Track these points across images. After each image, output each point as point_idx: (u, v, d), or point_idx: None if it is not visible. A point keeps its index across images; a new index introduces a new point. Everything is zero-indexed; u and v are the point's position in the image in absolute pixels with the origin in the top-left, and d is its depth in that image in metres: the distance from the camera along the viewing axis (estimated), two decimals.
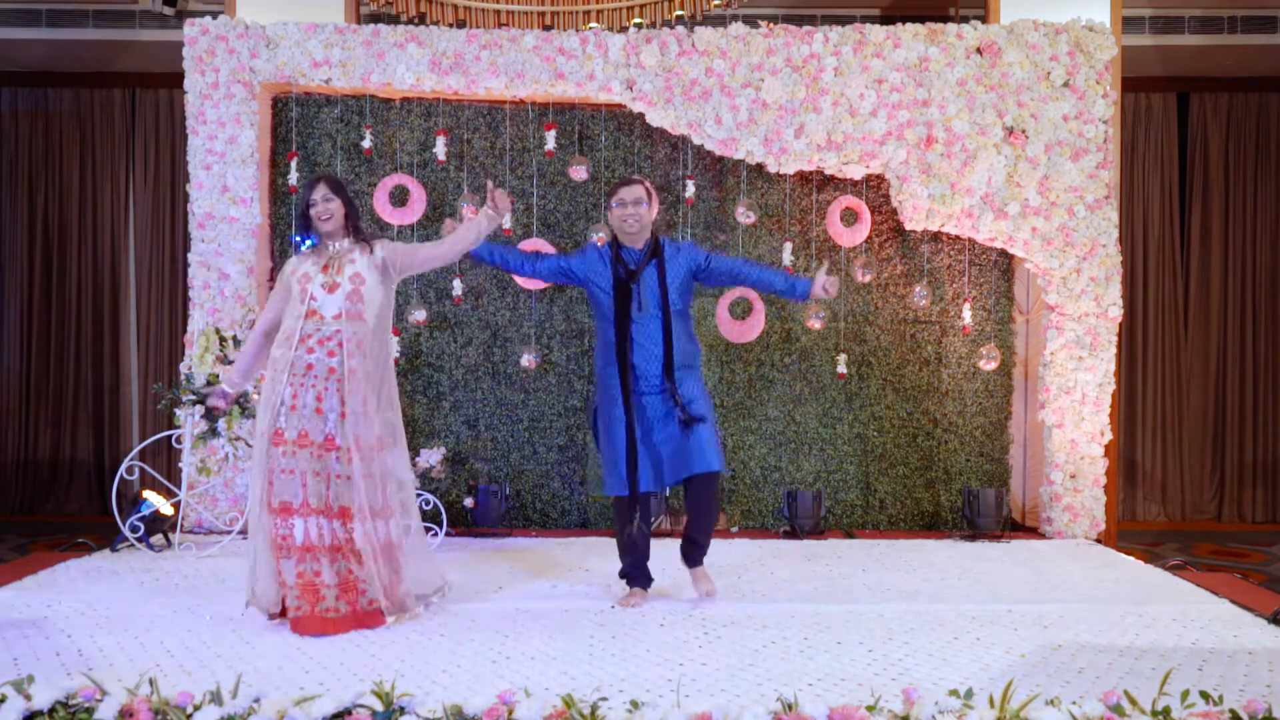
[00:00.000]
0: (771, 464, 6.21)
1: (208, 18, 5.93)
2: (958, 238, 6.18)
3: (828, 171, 5.98)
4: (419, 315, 5.99)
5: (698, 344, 4.31)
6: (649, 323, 4.13)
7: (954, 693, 2.78)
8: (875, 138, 5.84)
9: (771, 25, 5.95)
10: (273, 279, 6.18)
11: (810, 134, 5.83)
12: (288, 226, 6.17)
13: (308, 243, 5.78)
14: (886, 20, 6.86)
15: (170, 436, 5.41)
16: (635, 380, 4.13)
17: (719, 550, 5.18)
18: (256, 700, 2.70)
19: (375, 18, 6.80)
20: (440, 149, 6.03)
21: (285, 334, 3.83)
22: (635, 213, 4.18)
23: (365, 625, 3.72)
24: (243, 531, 5.45)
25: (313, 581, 3.69)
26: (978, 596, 4.38)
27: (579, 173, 5.94)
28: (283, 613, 3.77)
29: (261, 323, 4.00)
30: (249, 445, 5.27)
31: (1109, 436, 5.91)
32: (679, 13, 6.26)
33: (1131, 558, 5.35)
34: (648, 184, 4.27)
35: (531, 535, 5.83)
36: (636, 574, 4.24)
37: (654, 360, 4.12)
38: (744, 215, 5.98)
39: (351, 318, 3.84)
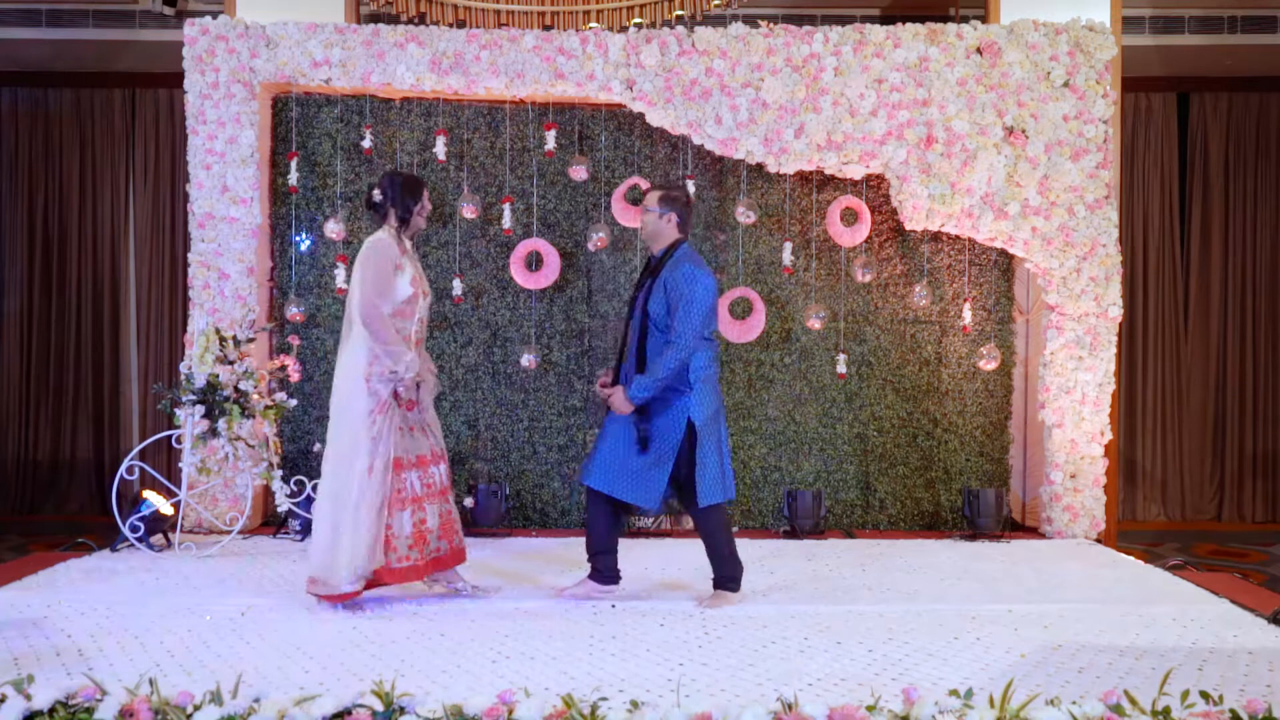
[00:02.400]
0: (771, 464, 6.21)
1: (208, 18, 5.93)
2: (958, 238, 6.18)
3: (828, 171, 5.98)
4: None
5: (693, 369, 4.05)
6: (632, 332, 4.17)
7: (954, 693, 2.78)
8: (875, 138, 5.84)
9: (771, 25, 5.95)
10: (273, 279, 6.19)
11: (810, 134, 5.83)
12: (288, 226, 6.17)
13: (307, 242, 5.82)
14: (886, 20, 6.86)
15: (170, 436, 5.41)
16: (622, 379, 4.19)
17: None
18: (256, 700, 2.70)
19: (375, 18, 6.80)
20: (440, 149, 6.03)
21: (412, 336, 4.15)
22: (642, 219, 4.24)
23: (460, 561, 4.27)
24: (243, 531, 5.46)
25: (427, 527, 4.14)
26: (978, 596, 4.38)
27: (579, 173, 5.94)
28: (374, 580, 4.00)
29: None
30: (250, 445, 5.27)
31: (1109, 436, 5.91)
32: (679, 13, 6.26)
33: (1131, 558, 5.35)
34: (668, 192, 4.23)
35: (531, 535, 5.83)
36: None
37: (628, 367, 4.16)
38: (744, 215, 5.98)
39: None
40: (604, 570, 4.27)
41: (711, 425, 4.09)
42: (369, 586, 4.04)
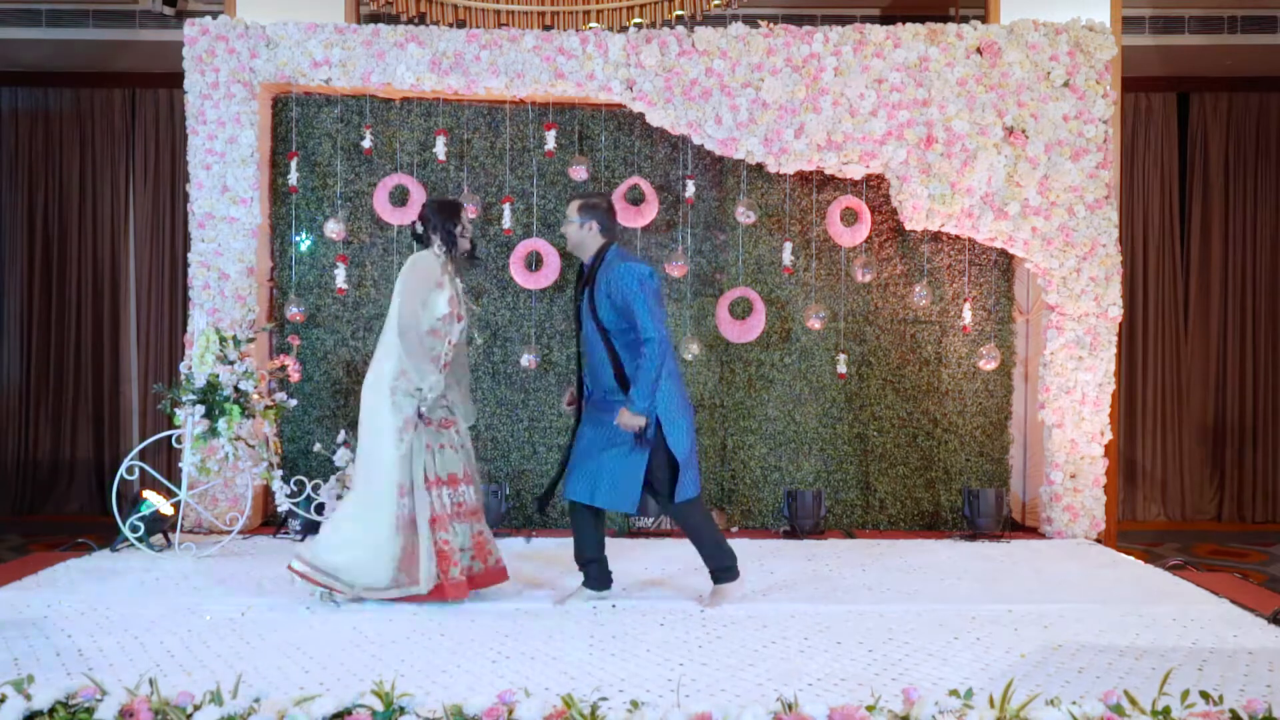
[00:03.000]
0: (771, 464, 6.21)
1: (208, 18, 5.93)
2: (958, 238, 6.18)
3: (828, 171, 5.98)
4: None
5: (636, 366, 4.02)
6: (587, 345, 4.20)
7: (954, 693, 2.78)
8: (875, 138, 5.84)
9: (771, 25, 5.95)
10: (273, 279, 6.18)
11: (810, 134, 5.82)
12: (288, 227, 6.17)
13: (307, 243, 5.81)
14: (886, 20, 6.86)
15: (170, 436, 5.41)
16: (586, 393, 4.24)
17: None
18: (256, 700, 2.70)
19: (375, 18, 6.80)
20: (440, 149, 6.03)
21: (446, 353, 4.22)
22: (564, 231, 4.29)
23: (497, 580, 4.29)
24: (243, 531, 5.46)
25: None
26: (978, 596, 4.38)
27: (579, 173, 5.94)
28: (437, 591, 4.04)
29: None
30: (250, 445, 5.27)
31: (1109, 436, 5.91)
32: (679, 13, 6.26)
33: (1131, 558, 5.35)
34: (586, 200, 4.24)
35: (531, 535, 5.83)
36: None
37: (593, 376, 4.18)
38: (744, 215, 5.98)
39: None
40: (596, 577, 4.28)
41: (680, 418, 4.06)
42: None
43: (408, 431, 4.05)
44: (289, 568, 4.13)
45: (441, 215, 4.24)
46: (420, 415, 4.08)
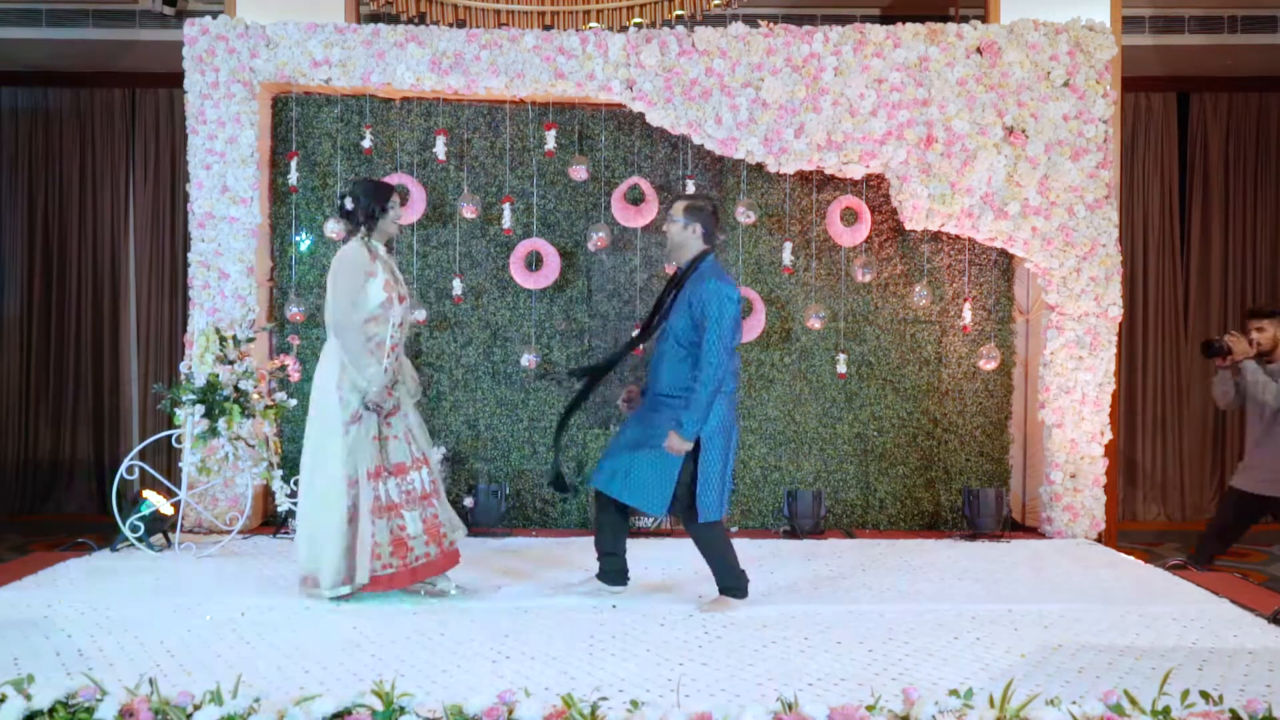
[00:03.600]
0: (771, 464, 6.21)
1: (208, 18, 5.92)
2: (958, 238, 6.18)
3: (828, 171, 5.98)
4: (419, 315, 5.99)
5: (696, 378, 3.96)
6: (659, 353, 4.20)
7: (954, 693, 2.78)
8: (875, 138, 5.84)
9: (771, 25, 5.94)
10: (273, 279, 6.18)
11: (810, 134, 5.82)
12: (288, 226, 6.17)
13: (307, 242, 5.81)
14: (886, 20, 6.86)
15: (170, 436, 5.40)
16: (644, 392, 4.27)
17: None
18: (256, 700, 2.70)
19: (375, 18, 6.80)
20: (440, 149, 6.03)
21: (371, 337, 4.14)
22: (667, 230, 4.23)
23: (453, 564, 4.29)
24: (243, 531, 5.46)
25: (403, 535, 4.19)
26: (978, 596, 4.38)
27: (579, 173, 5.94)
28: (372, 583, 4.07)
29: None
30: (250, 445, 5.27)
31: (1109, 436, 5.90)
32: (679, 12, 6.26)
33: (1131, 558, 5.35)
34: (693, 202, 4.17)
35: (531, 535, 5.83)
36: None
37: (654, 375, 4.20)
38: (744, 215, 5.98)
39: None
40: (610, 571, 4.29)
41: (718, 438, 4.00)
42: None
43: (353, 425, 4.08)
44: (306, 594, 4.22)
45: (369, 197, 4.19)
46: (367, 408, 4.09)
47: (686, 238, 4.12)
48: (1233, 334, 5.37)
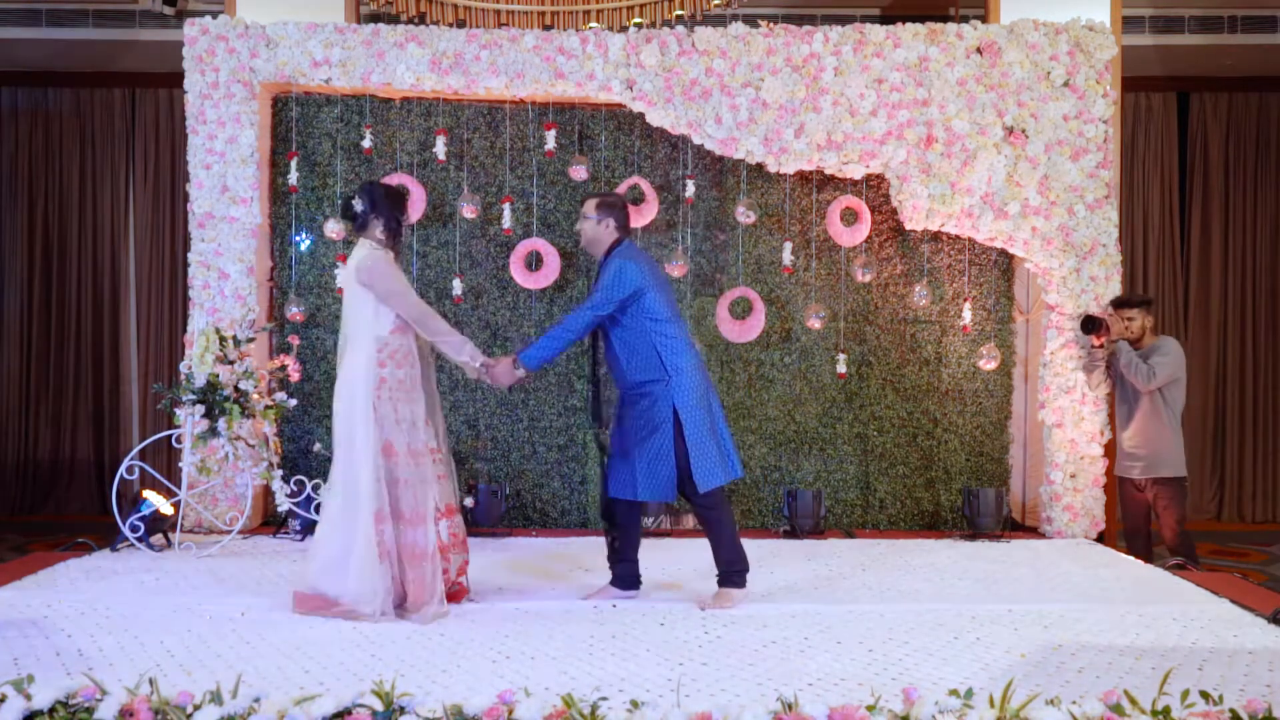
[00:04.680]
0: (771, 464, 6.21)
1: (208, 17, 5.92)
2: (958, 238, 6.18)
3: (828, 171, 5.98)
4: None
5: (668, 357, 4.10)
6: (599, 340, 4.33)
7: (954, 692, 2.78)
8: (875, 137, 5.84)
9: (771, 25, 5.94)
10: (273, 279, 6.18)
11: (810, 134, 5.82)
12: (288, 226, 6.17)
13: (307, 242, 5.82)
14: (886, 20, 6.86)
15: (170, 436, 5.41)
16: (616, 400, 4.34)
17: None
18: (256, 700, 2.70)
19: (375, 17, 6.80)
20: (440, 149, 6.03)
21: (407, 351, 4.04)
22: (580, 227, 4.36)
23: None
24: (243, 531, 5.46)
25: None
26: (978, 596, 4.38)
27: (579, 173, 5.94)
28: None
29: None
30: (250, 445, 5.27)
31: (1109, 436, 5.90)
32: (679, 12, 6.26)
33: (1131, 558, 5.35)
34: (604, 199, 4.34)
35: (531, 535, 5.83)
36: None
37: (613, 375, 4.28)
38: (744, 215, 5.98)
39: None
40: (624, 577, 4.31)
41: (699, 409, 4.09)
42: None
43: (385, 457, 3.94)
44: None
45: (391, 204, 4.09)
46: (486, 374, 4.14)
47: (600, 232, 4.27)
48: (1110, 313, 5.54)
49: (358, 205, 4.08)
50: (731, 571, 4.17)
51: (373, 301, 3.98)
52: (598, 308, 4.11)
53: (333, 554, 3.94)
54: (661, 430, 4.06)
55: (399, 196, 4.19)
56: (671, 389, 4.07)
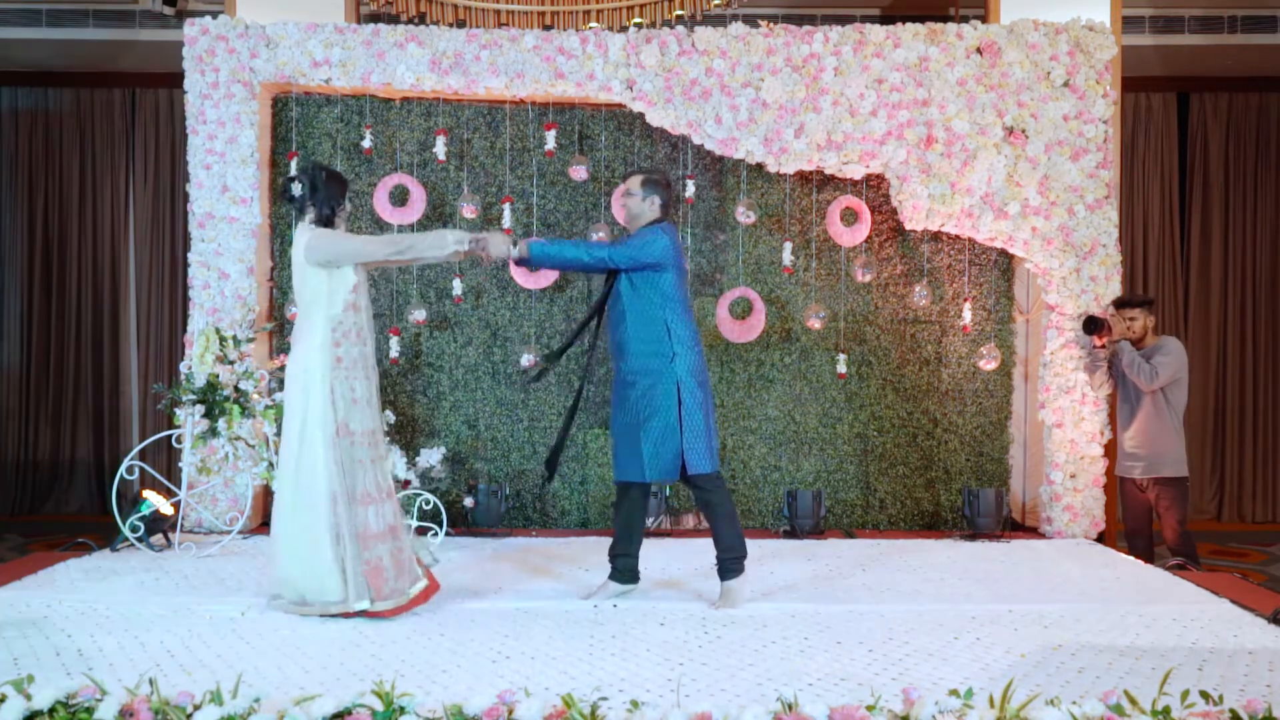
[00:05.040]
0: (771, 464, 6.21)
1: (208, 18, 5.92)
2: (958, 238, 6.17)
3: (828, 171, 5.98)
4: (419, 315, 5.99)
5: (675, 336, 4.15)
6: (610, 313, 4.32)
7: (954, 692, 2.78)
8: (875, 138, 5.84)
9: (771, 25, 5.94)
10: (273, 279, 6.18)
11: (810, 134, 5.82)
12: (288, 226, 6.17)
13: None
14: (886, 20, 6.86)
15: (170, 436, 5.41)
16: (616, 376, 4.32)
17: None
18: (256, 700, 2.70)
19: (375, 18, 6.80)
20: (440, 149, 6.03)
21: (360, 329, 3.95)
22: (624, 202, 4.33)
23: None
24: (243, 531, 5.46)
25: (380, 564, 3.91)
26: (978, 596, 4.38)
27: (579, 173, 5.94)
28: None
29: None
30: (250, 445, 5.27)
31: (1109, 436, 5.90)
32: (679, 13, 6.26)
33: (1131, 558, 5.35)
34: (649, 176, 4.28)
35: (531, 535, 5.83)
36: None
37: (619, 352, 4.26)
38: (744, 215, 5.98)
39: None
40: (623, 570, 4.33)
41: (697, 390, 4.13)
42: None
43: (342, 437, 3.85)
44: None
45: (330, 192, 4.01)
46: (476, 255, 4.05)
47: (643, 209, 4.25)
48: (1111, 314, 5.54)
49: (295, 189, 4.03)
50: (730, 559, 4.15)
51: (326, 281, 3.90)
52: (615, 255, 4.11)
53: (295, 545, 3.85)
54: (665, 408, 4.09)
55: (340, 181, 4.09)
56: (675, 366, 4.11)
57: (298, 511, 3.86)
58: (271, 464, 5.32)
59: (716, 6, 6.31)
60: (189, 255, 5.92)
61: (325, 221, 4.01)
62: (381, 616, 3.85)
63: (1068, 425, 5.88)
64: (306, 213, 4.02)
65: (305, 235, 3.97)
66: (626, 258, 4.11)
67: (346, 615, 3.85)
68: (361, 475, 3.89)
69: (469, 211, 5.98)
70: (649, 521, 5.84)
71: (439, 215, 6.16)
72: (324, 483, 3.83)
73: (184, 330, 6.28)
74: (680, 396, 4.09)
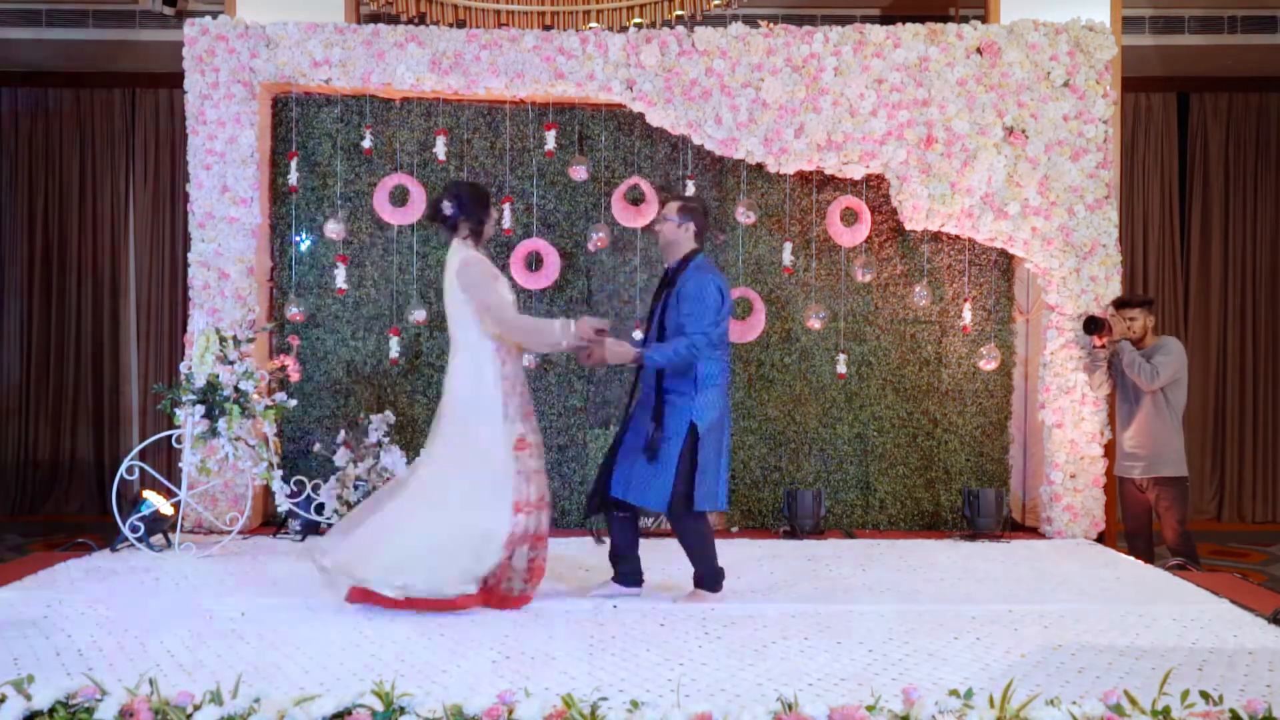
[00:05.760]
0: (771, 464, 6.21)
1: (208, 18, 5.92)
2: (958, 238, 6.18)
3: (828, 171, 5.98)
4: (419, 315, 5.99)
5: (701, 376, 4.12)
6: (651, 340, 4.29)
7: (954, 693, 2.78)
8: (875, 138, 5.84)
9: (771, 25, 5.95)
10: (273, 279, 6.18)
11: (810, 134, 5.82)
12: (288, 226, 6.17)
13: (307, 242, 5.80)
14: (886, 20, 6.86)
15: (170, 436, 5.41)
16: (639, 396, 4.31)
17: (719, 549, 5.16)
18: (256, 700, 2.70)
19: (375, 18, 6.80)
20: (440, 149, 6.03)
21: (510, 344, 4.10)
22: (660, 229, 4.32)
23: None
24: (243, 531, 5.46)
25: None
26: (978, 596, 4.38)
27: (579, 173, 5.94)
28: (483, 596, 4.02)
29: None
30: (250, 445, 5.27)
31: (1109, 436, 5.90)
32: (679, 13, 6.26)
33: (1131, 558, 5.35)
34: (686, 203, 4.29)
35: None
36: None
37: (646, 378, 4.25)
38: (744, 215, 5.98)
39: None
40: (627, 574, 4.33)
41: (714, 432, 4.13)
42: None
43: (522, 451, 4.06)
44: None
45: (475, 204, 4.15)
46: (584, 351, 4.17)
47: (679, 236, 4.24)
48: (1111, 314, 5.55)
49: (447, 208, 4.13)
50: (708, 578, 4.24)
51: (467, 297, 4.05)
52: (698, 341, 4.05)
53: (438, 544, 3.93)
54: (672, 441, 4.08)
55: (484, 195, 4.23)
56: (695, 404, 4.10)
57: (460, 511, 3.95)
58: (271, 464, 5.32)
59: (716, 6, 6.31)
60: (189, 255, 5.92)
61: (477, 235, 4.17)
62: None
63: (1068, 425, 5.88)
64: (460, 229, 4.15)
65: (460, 254, 4.09)
66: (701, 330, 4.05)
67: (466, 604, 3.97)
68: (534, 484, 4.07)
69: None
70: (649, 522, 5.84)
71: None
72: (504, 493, 3.97)
73: (184, 330, 6.27)
74: (696, 434, 4.08)
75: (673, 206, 4.27)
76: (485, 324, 4.04)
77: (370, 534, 3.96)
